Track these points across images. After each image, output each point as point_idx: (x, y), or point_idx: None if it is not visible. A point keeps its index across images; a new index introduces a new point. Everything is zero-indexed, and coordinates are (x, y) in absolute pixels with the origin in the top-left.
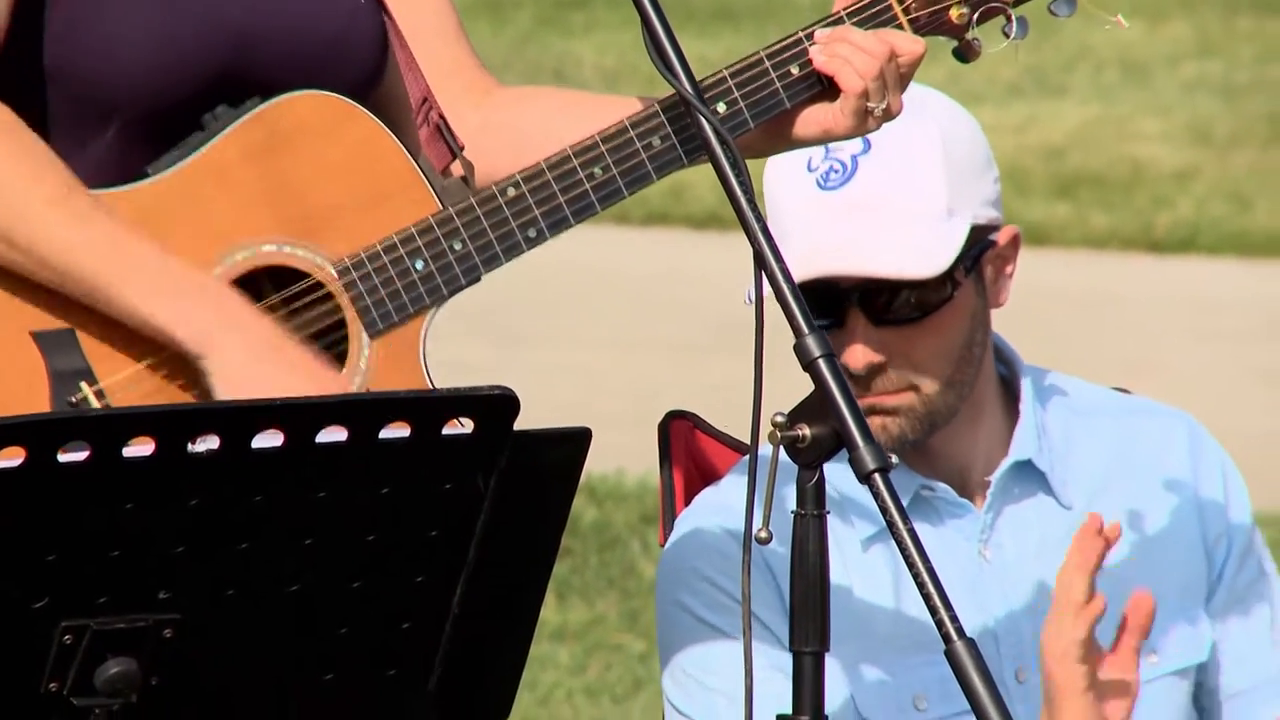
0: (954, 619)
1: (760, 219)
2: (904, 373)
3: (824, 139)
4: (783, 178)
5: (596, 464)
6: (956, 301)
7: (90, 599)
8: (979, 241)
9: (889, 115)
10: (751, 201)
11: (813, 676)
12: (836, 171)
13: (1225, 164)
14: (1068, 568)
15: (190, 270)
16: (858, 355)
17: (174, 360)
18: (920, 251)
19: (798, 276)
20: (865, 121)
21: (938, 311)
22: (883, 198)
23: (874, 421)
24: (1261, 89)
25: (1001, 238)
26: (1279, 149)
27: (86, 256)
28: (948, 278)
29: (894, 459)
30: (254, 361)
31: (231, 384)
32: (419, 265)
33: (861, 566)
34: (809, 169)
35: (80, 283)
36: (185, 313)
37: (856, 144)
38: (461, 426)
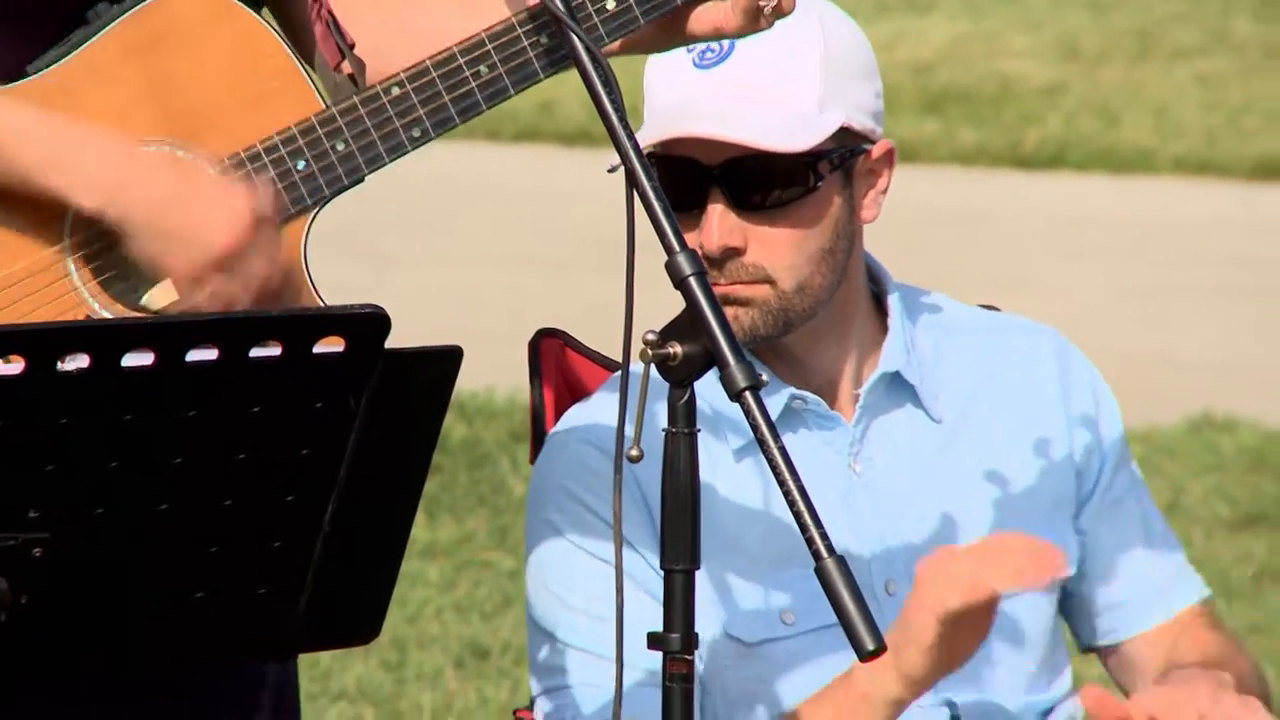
0: (824, 535)
1: (632, 136)
2: (759, 263)
3: (716, 36)
4: (661, 57)
5: (466, 381)
6: (819, 197)
7: None
8: (851, 145)
9: (780, 13)
10: (623, 118)
11: (683, 594)
12: (713, 51)
13: (1094, 80)
14: (1007, 569)
15: (80, 129)
16: (713, 237)
17: (38, 268)
18: (783, 129)
19: (658, 136)
20: (757, 20)
21: (798, 202)
22: (755, 80)
23: (727, 311)
24: (1129, 4)
25: (876, 150)
26: (1147, 64)
27: None
28: (810, 169)
29: (764, 377)
30: (163, 213)
31: (148, 237)
32: (300, 165)
33: (732, 480)
34: (686, 49)
35: None
36: (83, 178)
37: None
38: (333, 345)
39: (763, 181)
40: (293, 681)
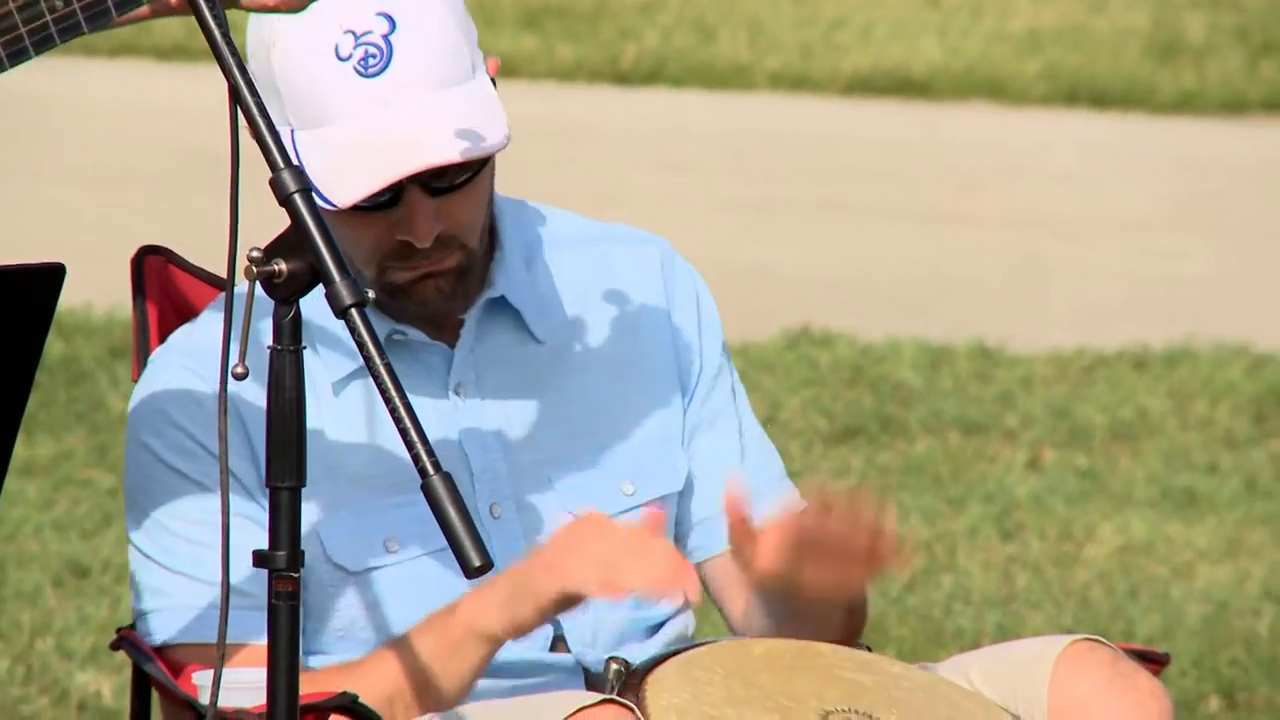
0: (430, 453)
1: (236, 53)
2: (453, 233)
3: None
4: (314, 73)
5: (64, 298)
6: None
7: None
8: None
9: None
10: (226, 35)
11: (289, 512)
12: (374, 57)
13: None
14: (645, 570)
15: None
16: (423, 231)
17: None
18: (483, 121)
19: (376, 186)
20: None
21: (485, 168)
22: (423, 72)
23: (428, 285)
24: None
25: (492, 71)
26: None
27: None
28: None
29: (370, 294)
30: None
31: None
32: None
33: (335, 408)
34: (340, 58)
35: None
36: None
37: (383, 25)
38: None
39: (461, 168)
40: None
